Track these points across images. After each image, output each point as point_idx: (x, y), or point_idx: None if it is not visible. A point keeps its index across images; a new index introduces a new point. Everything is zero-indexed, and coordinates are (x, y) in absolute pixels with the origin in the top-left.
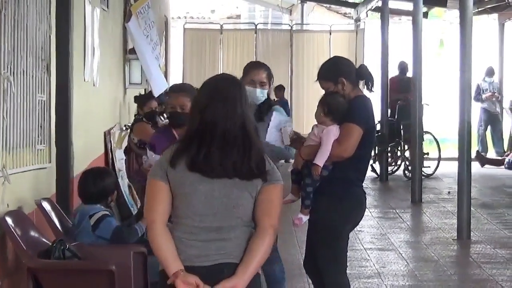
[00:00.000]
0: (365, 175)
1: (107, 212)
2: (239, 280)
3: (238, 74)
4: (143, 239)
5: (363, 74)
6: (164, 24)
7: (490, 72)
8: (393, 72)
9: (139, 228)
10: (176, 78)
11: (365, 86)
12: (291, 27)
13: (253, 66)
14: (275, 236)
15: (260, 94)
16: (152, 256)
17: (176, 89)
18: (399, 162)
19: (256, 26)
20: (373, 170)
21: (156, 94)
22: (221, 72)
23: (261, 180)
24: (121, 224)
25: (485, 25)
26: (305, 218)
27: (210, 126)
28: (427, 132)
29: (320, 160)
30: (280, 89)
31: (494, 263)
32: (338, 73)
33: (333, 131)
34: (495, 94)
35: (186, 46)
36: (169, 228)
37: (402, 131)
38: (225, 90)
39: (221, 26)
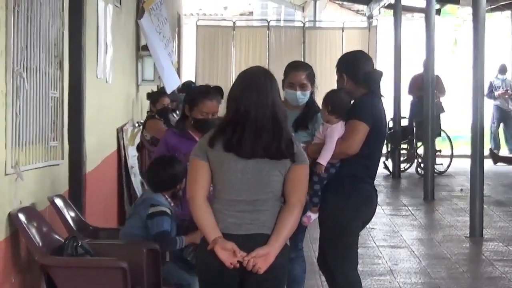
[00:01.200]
0: (376, 172)
1: (168, 211)
2: (272, 248)
3: None
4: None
5: (370, 80)
6: (176, 21)
7: (503, 70)
8: (406, 69)
9: (180, 240)
10: (188, 75)
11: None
12: (304, 24)
13: (292, 68)
14: (301, 211)
15: (302, 97)
16: (168, 263)
17: (209, 95)
18: (412, 159)
19: (268, 23)
20: (386, 167)
21: (168, 90)
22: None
23: (289, 160)
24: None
25: (498, 22)
26: (314, 216)
27: (243, 114)
28: (441, 130)
29: (324, 158)
30: None
31: (506, 260)
32: (342, 68)
33: (337, 129)
34: (508, 91)
35: (199, 43)
36: (209, 201)
37: (414, 128)
38: (257, 81)
39: (234, 23)
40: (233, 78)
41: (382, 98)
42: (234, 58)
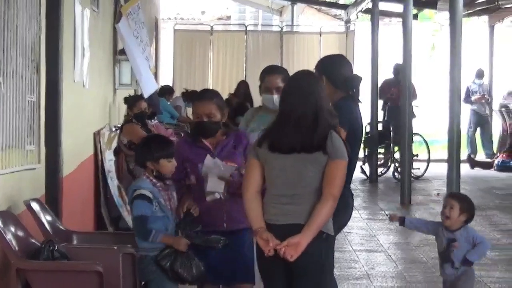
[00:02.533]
0: (352, 176)
1: (148, 194)
2: (303, 237)
3: (228, 74)
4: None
5: (351, 86)
6: (154, 25)
7: (480, 74)
8: (383, 74)
9: (154, 235)
10: (166, 79)
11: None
12: (281, 28)
13: (267, 72)
14: (336, 204)
15: (278, 100)
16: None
17: (200, 97)
18: (388, 164)
19: (246, 27)
20: (363, 171)
21: (146, 95)
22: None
23: (322, 153)
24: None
25: (475, 27)
26: None
27: (285, 115)
28: (416, 134)
29: None
30: None
31: (482, 264)
32: (323, 70)
33: None
34: (485, 96)
35: (176, 47)
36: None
37: (391, 132)
38: (298, 85)
39: (211, 27)
40: (211, 82)
41: (359, 103)
42: (212, 63)
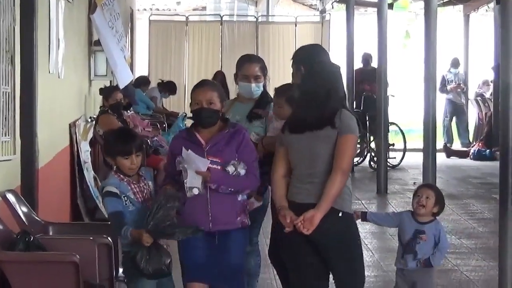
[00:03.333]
0: None
1: (113, 190)
2: (316, 212)
3: (203, 65)
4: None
5: None
6: (129, 16)
7: (455, 64)
8: (359, 63)
9: (124, 231)
10: (141, 70)
11: None
12: (257, 18)
13: (244, 61)
14: (345, 178)
15: (256, 89)
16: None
17: (201, 84)
18: (364, 153)
19: (221, 17)
20: None
21: (121, 86)
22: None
23: (331, 128)
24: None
25: (450, 16)
26: (257, 204)
27: (303, 96)
28: (392, 123)
29: None
30: None
31: (458, 253)
32: (302, 59)
33: None
34: (460, 85)
35: (152, 38)
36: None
37: (367, 122)
38: (318, 68)
39: (187, 18)
40: (187, 73)
41: None
42: (188, 53)
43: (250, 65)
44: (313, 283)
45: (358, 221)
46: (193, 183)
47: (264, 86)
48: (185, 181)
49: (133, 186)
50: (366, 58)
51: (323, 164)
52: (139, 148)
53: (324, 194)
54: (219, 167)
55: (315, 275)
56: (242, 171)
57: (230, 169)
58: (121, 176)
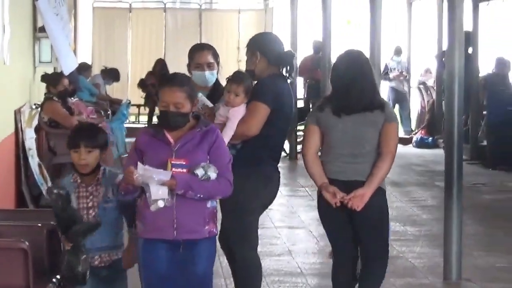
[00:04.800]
0: (279, 153)
1: (54, 191)
2: (366, 190)
3: (147, 53)
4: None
5: (284, 61)
6: (73, 2)
7: (398, 51)
8: (303, 51)
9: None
10: (84, 57)
11: (287, 74)
12: (200, 6)
13: (196, 49)
14: (393, 161)
15: (210, 76)
16: None
17: (169, 82)
18: None
19: (165, 5)
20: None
21: (66, 72)
22: None
23: (380, 112)
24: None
25: (393, 3)
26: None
27: (340, 83)
28: None
29: (224, 139)
30: None
31: (403, 240)
32: (258, 45)
33: (240, 111)
34: (403, 73)
35: (95, 25)
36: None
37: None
38: (345, 58)
39: (130, 5)
40: (130, 60)
41: (288, 80)
42: (131, 40)
43: (202, 52)
44: (353, 249)
45: (305, 207)
46: (158, 195)
47: (217, 77)
48: (147, 194)
49: (80, 190)
50: (317, 46)
51: (368, 146)
52: (93, 143)
53: (374, 175)
54: (184, 170)
55: (354, 244)
56: (213, 175)
57: (199, 172)
58: (75, 174)
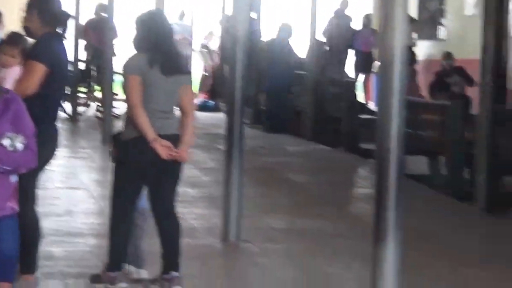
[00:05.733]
0: (56, 111)
1: None
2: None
3: None
4: None
5: (59, 22)
6: None
7: (181, 16)
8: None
9: None
10: None
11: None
12: None
13: None
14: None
15: None
16: None
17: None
18: (89, 103)
19: None
20: (63, 110)
21: None
22: None
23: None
24: None
25: None
26: None
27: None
28: (118, 73)
29: None
30: None
31: (183, 201)
32: (35, 4)
33: (16, 72)
34: (187, 37)
35: None
36: None
37: (94, 72)
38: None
39: None
40: None
41: (63, 39)
42: None
43: None
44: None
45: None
46: None
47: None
48: None
49: None
50: (101, 8)
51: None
52: None
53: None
54: None
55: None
56: (20, 146)
57: (6, 142)
58: None
